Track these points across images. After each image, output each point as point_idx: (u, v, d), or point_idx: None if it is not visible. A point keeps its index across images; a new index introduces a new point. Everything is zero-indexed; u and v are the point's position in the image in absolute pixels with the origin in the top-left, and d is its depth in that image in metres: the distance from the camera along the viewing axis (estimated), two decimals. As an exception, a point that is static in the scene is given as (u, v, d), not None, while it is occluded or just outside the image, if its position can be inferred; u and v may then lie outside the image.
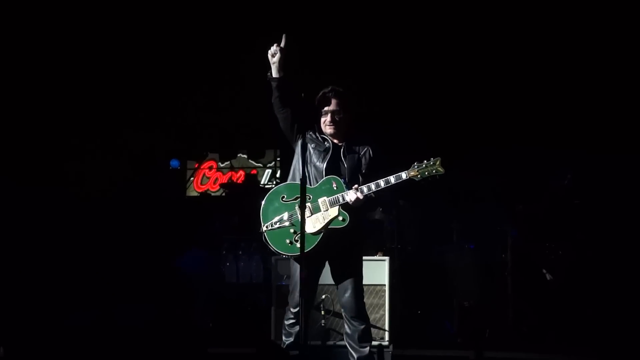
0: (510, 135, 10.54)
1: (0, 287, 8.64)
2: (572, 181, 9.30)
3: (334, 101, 6.23)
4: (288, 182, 6.30)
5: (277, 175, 13.09)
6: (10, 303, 8.33)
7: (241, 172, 13.47)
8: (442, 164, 5.98)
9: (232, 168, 13.51)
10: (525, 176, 9.98)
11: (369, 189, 5.98)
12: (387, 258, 8.03)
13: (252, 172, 13.39)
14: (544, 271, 9.25)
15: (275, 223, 6.13)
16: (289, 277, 6.64)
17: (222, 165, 13.61)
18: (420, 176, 5.98)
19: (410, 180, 6.00)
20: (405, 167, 6.01)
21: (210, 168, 13.62)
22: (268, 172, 13.47)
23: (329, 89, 6.26)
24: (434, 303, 9.48)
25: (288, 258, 6.36)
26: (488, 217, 9.60)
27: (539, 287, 9.26)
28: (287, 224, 6.11)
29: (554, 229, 9.33)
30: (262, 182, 13.21)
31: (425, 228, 9.92)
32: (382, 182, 5.97)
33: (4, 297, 8.44)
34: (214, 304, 9.69)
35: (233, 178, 13.43)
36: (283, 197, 6.18)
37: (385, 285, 7.88)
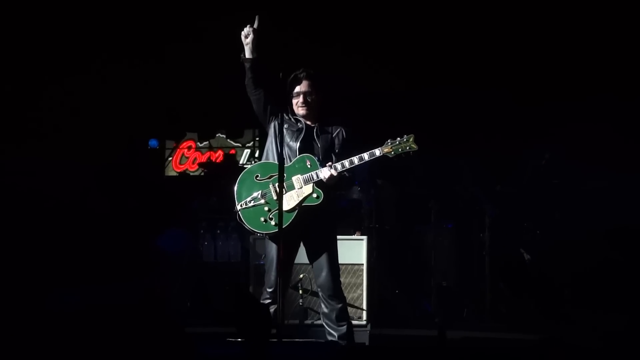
0: (490, 115, 10.53)
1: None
2: (550, 161, 9.31)
3: (305, 82, 6.29)
4: (262, 161, 6.32)
5: (256, 155, 13.07)
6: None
7: (220, 152, 13.45)
8: (415, 141, 6.05)
9: (210, 148, 13.48)
10: (504, 156, 10.00)
11: (343, 166, 6.03)
12: (365, 237, 8.05)
13: (230, 152, 13.38)
14: (522, 251, 9.26)
15: (250, 201, 6.14)
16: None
17: (200, 145, 13.58)
18: (394, 153, 6.05)
19: (384, 157, 6.05)
20: (379, 145, 6.06)
21: (189, 148, 13.58)
22: (247, 152, 13.44)
23: (301, 70, 6.31)
24: (411, 283, 9.49)
25: (263, 237, 6.36)
26: (466, 196, 9.61)
27: (516, 266, 9.27)
28: (261, 202, 6.12)
29: (532, 209, 9.34)
30: (240, 162, 13.19)
31: (403, 207, 9.93)
32: (355, 159, 6.04)
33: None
34: (192, 283, 9.67)
35: (212, 158, 13.41)
36: (257, 176, 6.20)
37: (363, 264, 7.89)
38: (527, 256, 9.20)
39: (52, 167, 10.43)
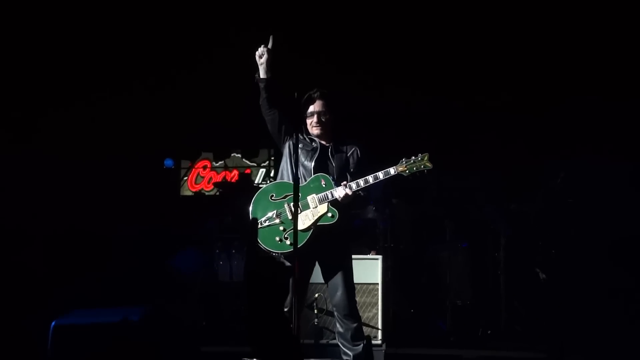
0: (505, 134, 10.54)
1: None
2: (565, 180, 9.30)
3: (319, 102, 6.30)
4: (277, 181, 6.33)
5: (271, 174, 13.09)
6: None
7: (235, 172, 13.47)
8: (430, 159, 6.05)
9: (226, 167, 13.50)
10: (519, 175, 9.99)
11: (358, 185, 6.03)
12: (380, 257, 8.05)
13: (246, 172, 13.40)
14: (537, 270, 9.25)
15: (265, 221, 6.14)
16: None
17: (216, 165, 13.61)
18: (409, 171, 6.05)
19: (398, 175, 6.05)
20: (394, 164, 6.06)
21: (205, 167, 13.62)
22: (262, 171, 13.47)
23: (314, 90, 6.31)
24: (426, 302, 9.48)
25: (279, 256, 6.36)
26: (481, 215, 9.60)
27: (532, 286, 9.26)
28: (276, 221, 6.12)
29: (547, 228, 9.33)
30: (256, 182, 13.20)
31: (418, 227, 9.93)
32: (370, 178, 6.04)
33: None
34: (207, 302, 9.68)
35: (227, 177, 13.43)
36: (272, 195, 6.20)
37: (378, 284, 7.89)
38: (542, 275, 9.19)
39: (67, 187, 10.49)
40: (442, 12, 9.78)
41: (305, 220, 6.06)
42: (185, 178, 13.64)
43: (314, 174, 6.17)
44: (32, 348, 6.56)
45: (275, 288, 4.81)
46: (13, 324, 7.63)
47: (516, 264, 9.30)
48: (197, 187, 13.57)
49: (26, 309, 8.19)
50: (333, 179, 6.13)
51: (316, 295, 7.63)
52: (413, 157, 6.09)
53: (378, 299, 7.84)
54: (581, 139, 9.91)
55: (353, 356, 6.28)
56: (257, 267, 4.84)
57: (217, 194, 13.03)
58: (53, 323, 5.66)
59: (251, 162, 13.54)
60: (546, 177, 9.50)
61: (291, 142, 6.25)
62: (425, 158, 6.07)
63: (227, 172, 13.52)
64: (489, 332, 9.02)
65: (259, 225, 6.16)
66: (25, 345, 6.94)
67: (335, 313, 6.36)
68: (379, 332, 7.77)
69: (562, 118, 10.19)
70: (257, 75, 6.31)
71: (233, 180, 13.31)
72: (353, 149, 6.33)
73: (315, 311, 7.67)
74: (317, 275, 6.40)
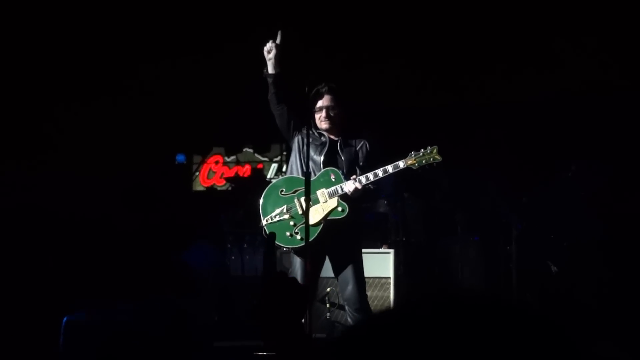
0: (514, 127, 10.53)
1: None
2: (576, 173, 9.27)
3: (327, 97, 6.29)
4: (286, 176, 6.34)
5: (283, 169, 13.08)
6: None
7: (247, 167, 13.48)
8: (439, 152, 6.04)
9: (238, 162, 13.51)
10: (530, 168, 9.97)
11: (367, 179, 6.03)
12: (391, 251, 8.07)
13: (258, 167, 13.41)
14: (549, 263, 9.23)
15: (275, 216, 6.15)
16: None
17: (228, 160, 13.61)
18: (418, 164, 6.04)
19: (408, 168, 6.04)
20: (403, 157, 6.06)
21: (217, 162, 13.61)
22: (274, 166, 13.45)
23: (322, 84, 6.30)
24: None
25: (289, 251, 6.37)
26: (493, 209, 9.58)
27: (543, 279, 9.24)
28: (286, 216, 6.13)
29: (559, 221, 9.30)
30: (268, 176, 13.21)
31: (429, 220, 9.92)
32: (380, 172, 6.02)
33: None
34: (219, 297, 9.69)
35: (239, 172, 13.43)
36: (282, 190, 6.22)
37: (390, 278, 7.91)
38: (554, 268, 9.17)
39: (79, 183, 10.53)
40: (453, 5, 9.78)
41: (315, 214, 6.06)
42: (197, 173, 13.65)
43: (323, 168, 6.17)
44: (44, 344, 6.59)
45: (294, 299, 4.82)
46: (25, 320, 7.65)
47: (528, 257, 9.28)
48: (209, 182, 13.57)
49: (38, 305, 8.21)
50: (342, 173, 6.13)
51: (327, 289, 7.65)
52: (422, 150, 6.07)
53: (390, 292, 7.86)
54: (592, 132, 9.88)
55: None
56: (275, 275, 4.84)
57: (229, 189, 13.05)
58: (65, 319, 5.70)
59: (263, 157, 13.53)
60: (557, 170, 9.48)
61: (300, 137, 6.25)
62: (435, 151, 6.06)
63: (239, 167, 13.53)
64: None
65: (270, 220, 6.17)
66: (38, 341, 6.97)
67: (347, 307, 6.36)
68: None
69: (574, 111, 10.17)
70: (265, 70, 6.31)
71: (245, 175, 13.32)
72: (362, 142, 6.33)
73: (327, 305, 7.69)
74: (328, 270, 6.41)
